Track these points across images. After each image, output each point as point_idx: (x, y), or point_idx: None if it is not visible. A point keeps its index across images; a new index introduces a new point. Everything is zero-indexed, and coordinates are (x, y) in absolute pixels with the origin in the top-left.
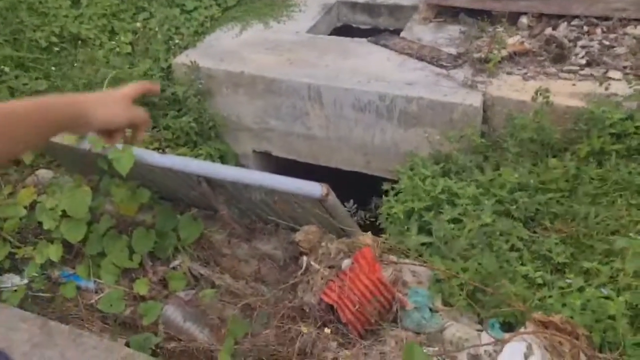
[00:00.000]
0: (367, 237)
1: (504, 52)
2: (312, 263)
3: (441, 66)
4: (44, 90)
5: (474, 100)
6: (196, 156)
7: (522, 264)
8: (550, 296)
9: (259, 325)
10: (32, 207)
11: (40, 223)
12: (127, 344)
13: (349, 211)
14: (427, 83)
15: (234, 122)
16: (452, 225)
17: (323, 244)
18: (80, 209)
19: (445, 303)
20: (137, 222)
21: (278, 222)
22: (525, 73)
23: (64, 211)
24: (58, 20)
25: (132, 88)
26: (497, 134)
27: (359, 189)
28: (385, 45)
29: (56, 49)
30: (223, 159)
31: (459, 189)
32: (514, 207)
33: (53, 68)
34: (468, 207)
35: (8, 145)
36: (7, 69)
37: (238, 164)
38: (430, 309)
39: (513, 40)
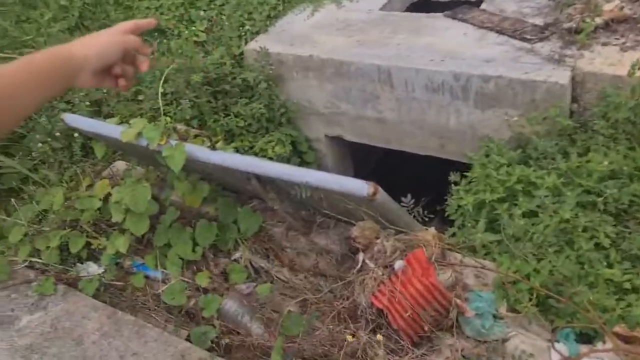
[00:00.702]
0: (428, 234)
1: (599, 20)
2: (367, 261)
3: (524, 39)
4: None
5: (560, 77)
6: (267, 142)
7: (607, 266)
8: (636, 305)
9: (313, 322)
10: (106, 199)
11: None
12: (189, 336)
13: (406, 206)
14: (507, 59)
15: (305, 107)
16: (525, 221)
17: (378, 240)
18: (141, 204)
19: (512, 309)
20: (201, 213)
21: (335, 216)
22: (624, 43)
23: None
24: (141, 12)
25: (121, 24)
26: (589, 113)
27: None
28: (463, 20)
29: None
30: (294, 145)
31: (538, 178)
32: (602, 198)
33: None
34: (546, 200)
35: (5, 114)
36: None
37: (311, 149)
38: (494, 316)
39: (611, 6)
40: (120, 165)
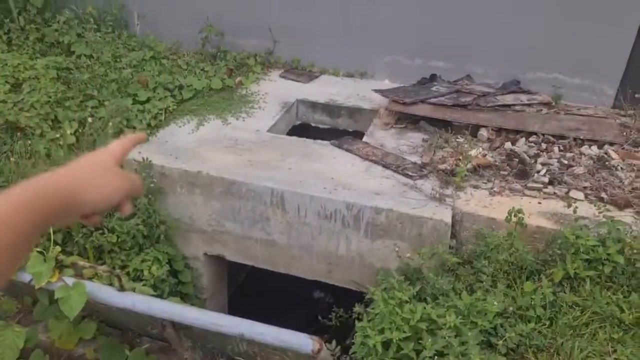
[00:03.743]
0: None
1: (469, 165)
2: None
3: (407, 175)
4: None
5: (444, 215)
6: (142, 262)
7: None
8: None
9: None
10: None
11: None
12: None
13: (333, 355)
14: (395, 193)
15: (186, 224)
16: None
17: None
18: (9, 355)
19: None
20: (75, 356)
21: None
22: (492, 188)
23: None
24: None
25: (119, 146)
26: (466, 249)
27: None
28: (348, 150)
29: None
30: (171, 263)
31: (439, 316)
32: (499, 340)
33: None
34: (451, 340)
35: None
36: None
37: (187, 267)
38: None
39: (475, 152)
40: None
